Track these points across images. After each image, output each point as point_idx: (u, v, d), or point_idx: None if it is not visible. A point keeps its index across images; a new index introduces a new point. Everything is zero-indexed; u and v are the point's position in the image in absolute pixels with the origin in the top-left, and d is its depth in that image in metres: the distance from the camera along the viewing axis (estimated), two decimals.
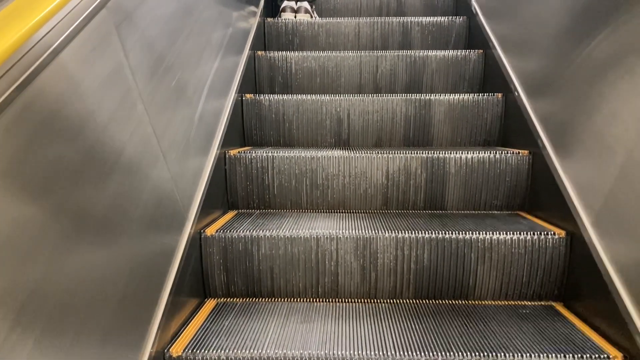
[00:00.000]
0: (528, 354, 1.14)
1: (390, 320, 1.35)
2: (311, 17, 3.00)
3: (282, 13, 3.00)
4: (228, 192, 1.82)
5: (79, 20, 0.87)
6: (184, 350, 1.19)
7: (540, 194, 1.67)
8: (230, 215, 1.74)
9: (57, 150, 0.78)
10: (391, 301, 1.48)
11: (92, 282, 0.85)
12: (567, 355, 1.14)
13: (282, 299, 1.51)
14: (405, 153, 1.78)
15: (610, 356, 1.13)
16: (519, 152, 1.75)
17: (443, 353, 1.16)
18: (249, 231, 1.50)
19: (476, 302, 1.47)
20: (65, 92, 0.82)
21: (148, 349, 1.07)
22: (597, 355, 1.14)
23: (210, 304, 1.47)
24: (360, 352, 1.17)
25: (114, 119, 0.98)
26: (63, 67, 0.82)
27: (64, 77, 0.82)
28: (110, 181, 0.94)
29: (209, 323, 1.34)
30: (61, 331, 0.76)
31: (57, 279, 0.75)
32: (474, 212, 1.79)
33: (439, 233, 1.46)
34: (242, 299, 1.51)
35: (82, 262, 0.83)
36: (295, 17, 2.97)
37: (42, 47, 0.76)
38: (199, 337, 1.26)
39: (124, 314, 0.97)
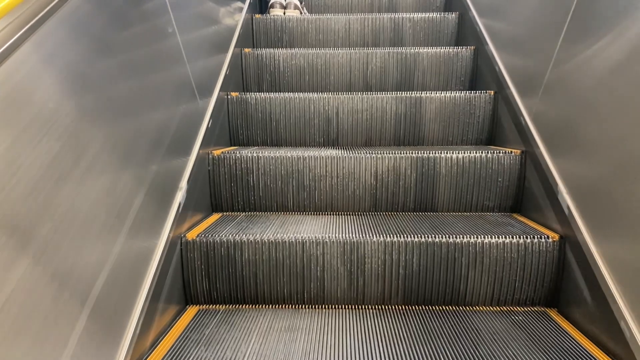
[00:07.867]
0: None
1: (377, 328, 1.30)
2: (301, 13, 2.94)
3: (271, 9, 2.93)
4: (212, 194, 1.76)
5: None
6: None
7: (533, 195, 1.62)
8: (214, 218, 1.69)
9: None
10: (379, 307, 1.43)
11: (55, 284, 0.79)
12: None
13: (267, 306, 1.45)
14: (395, 153, 1.72)
15: None
16: (511, 152, 1.70)
17: None
18: (232, 235, 1.44)
19: (467, 308, 1.42)
20: None
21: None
22: None
23: (191, 311, 1.42)
24: None
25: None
26: None
27: None
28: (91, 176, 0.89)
29: (189, 332, 1.29)
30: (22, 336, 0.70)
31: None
32: (465, 213, 1.74)
33: (428, 237, 1.41)
34: (225, 306, 1.45)
35: (41, 260, 0.77)
36: (284, 13, 2.91)
37: None
38: (178, 346, 1.20)
39: (94, 322, 0.91)
